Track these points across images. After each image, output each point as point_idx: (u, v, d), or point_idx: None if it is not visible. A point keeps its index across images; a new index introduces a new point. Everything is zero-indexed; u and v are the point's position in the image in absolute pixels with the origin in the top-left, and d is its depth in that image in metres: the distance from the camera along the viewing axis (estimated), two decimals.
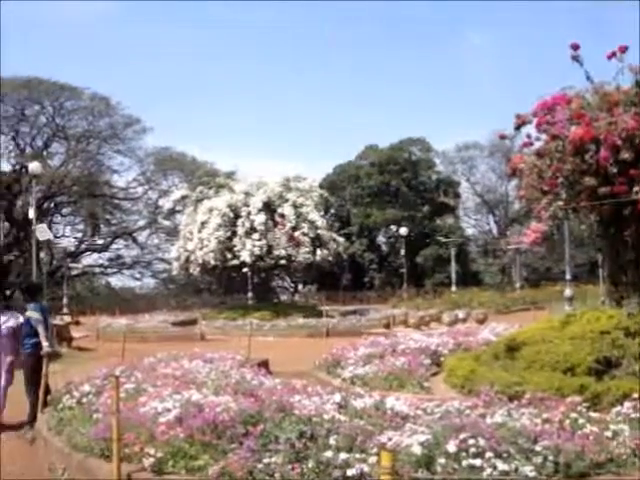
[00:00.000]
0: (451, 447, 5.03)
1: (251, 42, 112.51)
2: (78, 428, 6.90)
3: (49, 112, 56.32)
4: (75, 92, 55.67)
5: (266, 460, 5.20)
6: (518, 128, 9.34)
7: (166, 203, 48.01)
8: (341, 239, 38.49)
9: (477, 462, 4.88)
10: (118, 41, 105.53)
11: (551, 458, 5.02)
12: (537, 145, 9.41)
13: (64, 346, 20.68)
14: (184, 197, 38.14)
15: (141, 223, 63.47)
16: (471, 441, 5.08)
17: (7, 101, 54.39)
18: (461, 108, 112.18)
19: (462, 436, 5.15)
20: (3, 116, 54.67)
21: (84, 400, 7.76)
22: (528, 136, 9.44)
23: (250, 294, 38.44)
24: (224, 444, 5.63)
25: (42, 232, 31.24)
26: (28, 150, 56.12)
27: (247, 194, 34.33)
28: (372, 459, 4.97)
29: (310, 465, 5.06)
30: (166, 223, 59.52)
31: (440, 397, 7.91)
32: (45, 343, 8.80)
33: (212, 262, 33.43)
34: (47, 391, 8.49)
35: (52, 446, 7.13)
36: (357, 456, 5.07)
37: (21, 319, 9.38)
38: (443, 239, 57.21)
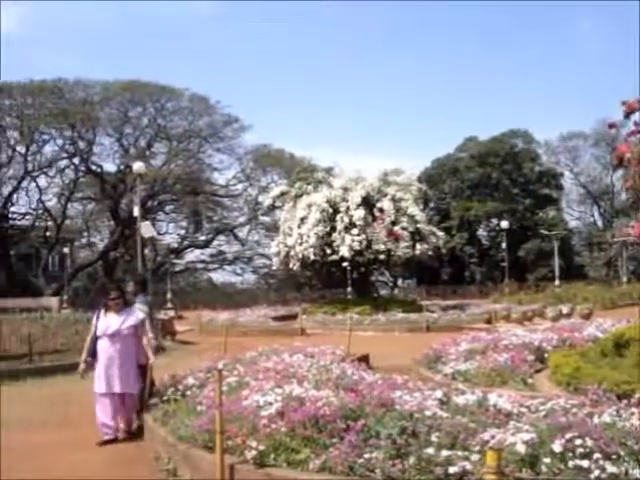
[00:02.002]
0: (557, 447, 4.87)
1: (349, 39, 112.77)
2: (182, 420, 7.04)
3: (151, 113, 57.93)
4: (175, 93, 57.09)
5: (367, 455, 5.17)
6: (627, 116, 8.94)
7: (265, 199, 48.52)
8: (441, 233, 38.04)
9: (584, 463, 4.70)
10: (217, 41, 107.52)
11: None
12: None
13: (168, 340, 21.22)
14: (283, 193, 38.40)
15: (241, 219, 64.60)
16: (578, 441, 4.91)
17: (111, 104, 56.26)
18: (565, 97, 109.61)
19: (568, 436, 4.98)
20: (108, 118, 56.54)
21: (188, 393, 7.91)
22: (636, 124, 9.05)
23: (349, 289, 38.49)
24: (325, 438, 5.62)
25: (146, 229, 32.08)
26: (132, 150, 57.86)
27: (346, 189, 34.30)
28: (475, 457, 4.88)
29: (411, 461, 5.00)
30: (266, 219, 60.35)
31: (545, 395, 7.70)
32: (150, 335, 8.86)
33: (312, 257, 33.54)
34: (152, 383, 8.65)
35: (157, 436, 7.31)
36: (459, 454, 4.98)
37: (142, 316, 8.78)
38: (546, 232, 55.96)
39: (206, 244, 65.35)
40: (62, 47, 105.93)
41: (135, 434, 8.28)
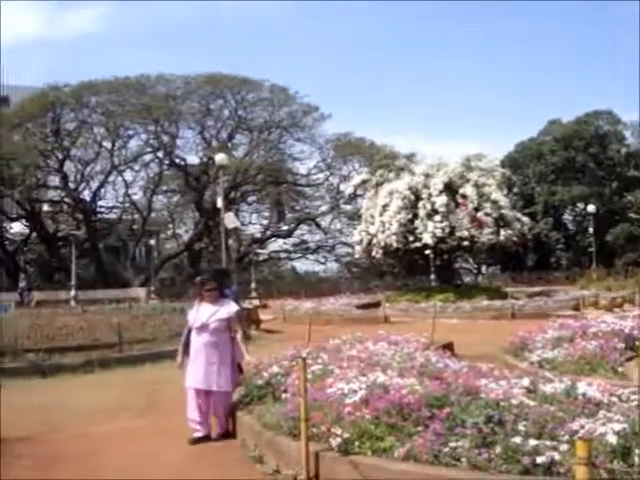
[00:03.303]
0: None
1: (426, 23, 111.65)
2: (268, 407, 7.13)
3: (232, 105, 58.62)
4: (255, 85, 57.58)
5: (452, 444, 5.12)
6: None
7: (347, 188, 48.53)
8: (525, 218, 37.33)
9: None
10: (294, 31, 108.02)
11: None
12: None
13: (253, 328, 21.45)
14: (364, 181, 38.32)
15: (323, 208, 64.75)
16: None
17: (193, 97, 57.21)
18: None
19: None
20: (190, 112, 57.52)
21: (273, 381, 7.96)
22: None
23: (432, 276, 38.23)
24: (410, 426, 5.60)
25: (230, 220, 32.46)
26: (214, 142, 58.67)
27: (427, 175, 33.99)
28: (563, 447, 4.78)
29: (498, 451, 4.93)
30: (348, 207, 60.29)
31: (636, 383, 7.49)
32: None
33: (394, 245, 33.40)
34: (240, 371, 8.67)
35: (244, 423, 7.40)
36: (547, 443, 4.88)
37: (235, 309, 8.19)
38: (635, 215, 54.25)
39: (289, 233, 65.79)
40: (143, 44, 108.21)
41: (230, 434, 7.84)
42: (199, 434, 7.76)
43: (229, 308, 8.10)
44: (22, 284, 47.48)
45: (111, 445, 7.87)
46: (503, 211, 33.72)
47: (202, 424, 7.81)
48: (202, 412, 7.83)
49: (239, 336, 8.10)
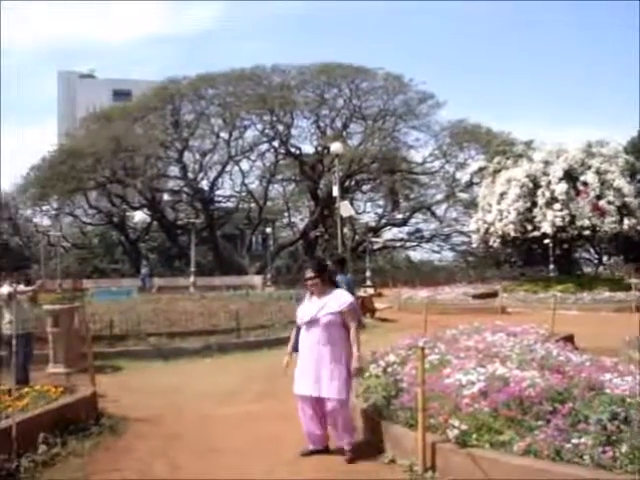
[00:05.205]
0: None
1: (546, 8, 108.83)
2: (384, 396, 7.10)
3: (346, 94, 58.72)
4: (369, 73, 57.53)
5: (575, 440, 4.98)
6: None
7: (463, 176, 47.89)
8: None
9: None
10: (409, 18, 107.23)
11: None
12: None
13: (368, 317, 21.48)
14: (481, 169, 37.77)
15: (439, 197, 64.02)
16: None
17: (308, 87, 57.70)
18: None
19: None
20: (304, 101, 58.06)
21: (389, 369, 7.93)
22: None
23: (551, 266, 37.24)
24: (530, 420, 5.48)
25: (345, 209, 32.56)
26: (329, 131, 58.94)
27: (546, 163, 33.20)
28: None
29: (623, 449, 4.75)
30: (464, 196, 59.40)
31: None
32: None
33: (512, 234, 32.89)
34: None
35: (359, 411, 7.40)
36: None
37: (347, 300, 6.81)
38: None
39: (404, 222, 65.43)
40: (259, 36, 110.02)
41: (352, 450, 6.69)
42: (313, 447, 6.85)
43: (341, 299, 6.80)
44: (144, 270, 49.30)
45: (230, 427, 8.11)
46: (627, 199, 32.55)
47: (316, 436, 6.85)
48: (316, 423, 6.80)
49: (353, 332, 6.73)
